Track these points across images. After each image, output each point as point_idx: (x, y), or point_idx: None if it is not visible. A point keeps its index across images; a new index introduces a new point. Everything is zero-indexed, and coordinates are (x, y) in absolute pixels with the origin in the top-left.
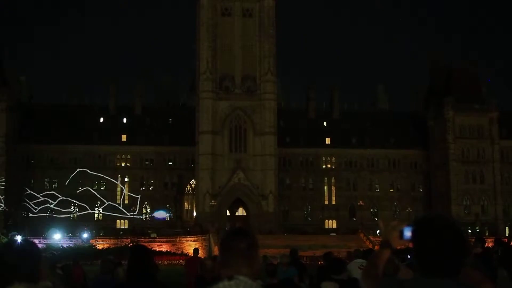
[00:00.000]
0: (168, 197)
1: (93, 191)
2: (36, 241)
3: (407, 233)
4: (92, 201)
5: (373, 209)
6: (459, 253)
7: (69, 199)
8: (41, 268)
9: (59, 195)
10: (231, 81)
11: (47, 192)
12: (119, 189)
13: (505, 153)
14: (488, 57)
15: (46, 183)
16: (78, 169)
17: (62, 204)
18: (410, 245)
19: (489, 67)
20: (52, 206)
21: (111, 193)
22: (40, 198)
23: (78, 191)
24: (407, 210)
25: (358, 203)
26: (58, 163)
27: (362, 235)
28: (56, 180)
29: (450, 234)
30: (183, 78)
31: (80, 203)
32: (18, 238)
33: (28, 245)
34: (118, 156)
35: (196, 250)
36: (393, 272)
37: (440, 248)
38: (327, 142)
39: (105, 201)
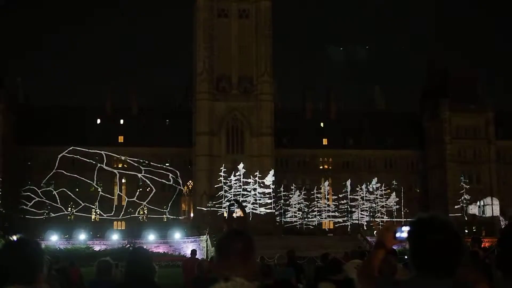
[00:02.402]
0: (165, 198)
1: (90, 193)
2: None
3: (402, 233)
4: (89, 203)
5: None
6: (454, 253)
7: (66, 200)
8: (39, 271)
9: (55, 197)
10: (228, 82)
11: (44, 193)
12: (116, 191)
13: (502, 154)
14: (487, 58)
15: (43, 185)
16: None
17: (58, 206)
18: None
19: (487, 67)
20: (48, 207)
21: (108, 194)
22: (36, 199)
23: (74, 193)
24: (404, 211)
25: (356, 204)
26: (55, 165)
27: (359, 235)
28: (53, 181)
29: (445, 234)
30: (180, 79)
31: (77, 205)
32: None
33: (30, 246)
34: (115, 158)
35: (193, 251)
36: (391, 273)
37: (436, 248)
38: (324, 143)
39: (101, 202)
